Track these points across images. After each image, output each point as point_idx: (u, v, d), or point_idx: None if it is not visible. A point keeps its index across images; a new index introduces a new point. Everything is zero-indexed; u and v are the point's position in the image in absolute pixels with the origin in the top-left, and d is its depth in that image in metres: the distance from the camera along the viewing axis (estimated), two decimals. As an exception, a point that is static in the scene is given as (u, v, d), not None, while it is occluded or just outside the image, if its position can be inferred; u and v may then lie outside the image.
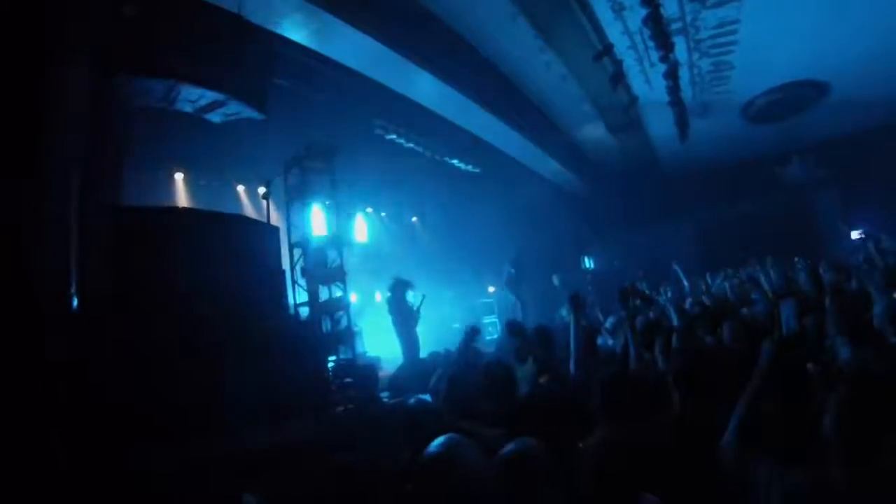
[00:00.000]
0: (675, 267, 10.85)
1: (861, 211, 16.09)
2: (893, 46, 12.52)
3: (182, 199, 12.69)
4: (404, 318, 11.62)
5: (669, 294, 9.39)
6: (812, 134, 17.45)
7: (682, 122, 14.78)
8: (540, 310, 15.84)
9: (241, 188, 14.25)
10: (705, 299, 8.48)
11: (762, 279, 7.42)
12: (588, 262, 21.10)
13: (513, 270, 16.17)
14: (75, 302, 4.73)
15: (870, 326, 4.31)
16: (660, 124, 15.57)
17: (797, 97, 15.33)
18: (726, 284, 9.55)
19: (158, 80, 6.95)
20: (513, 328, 6.52)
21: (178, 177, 12.81)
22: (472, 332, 5.94)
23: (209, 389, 5.89)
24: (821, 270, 7.30)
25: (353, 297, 13.18)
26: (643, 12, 9.90)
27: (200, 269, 6.58)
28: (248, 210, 13.94)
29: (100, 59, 5.67)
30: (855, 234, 15.21)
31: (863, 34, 11.99)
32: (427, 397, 4.69)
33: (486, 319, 17.59)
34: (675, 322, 5.97)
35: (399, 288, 11.90)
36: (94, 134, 5.44)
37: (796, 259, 9.82)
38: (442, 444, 2.46)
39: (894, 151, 16.07)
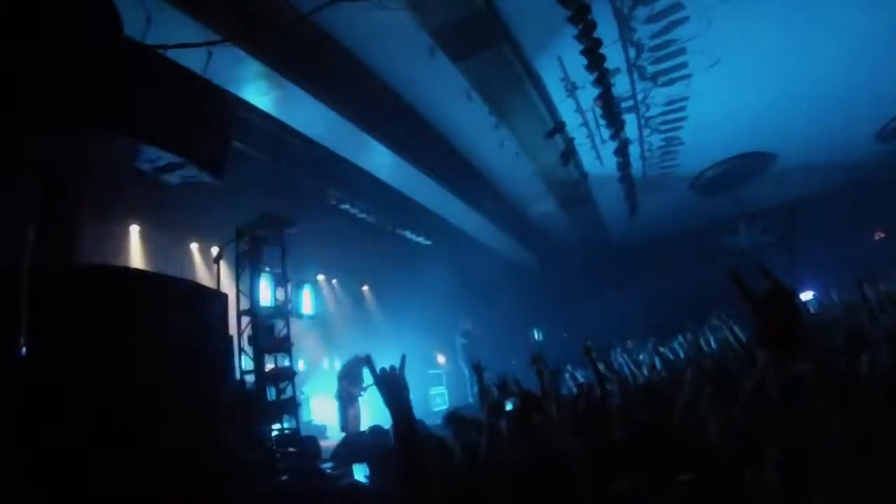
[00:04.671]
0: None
1: (808, 273, 16.34)
2: (834, 116, 13.13)
3: (136, 252, 12.39)
4: (350, 395, 11.56)
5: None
6: (759, 200, 18.07)
7: (631, 197, 15.17)
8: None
9: (194, 246, 13.97)
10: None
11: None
12: (537, 334, 21.17)
13: (465, 341, 16.09)
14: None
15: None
16: (610, 199, 15.96)
17: (744, 167, 15.87)
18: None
19: (121, 138, 6.86)
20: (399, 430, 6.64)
21: (134, 229, 12.51)
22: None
23: (147, 456, 5.70)
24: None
25: (301, 365, 12.98)
26: (595, 91, 10.17)
27: (147, 334, 6.43)
28: (201, 270, 13.69)
29: (61, 116, 5.62)
30: (804, 296, 15.41)
31: (806, 105, 12.55)
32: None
33: (434, 391, 17.39)
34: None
35: (354, 367, 11.89)
36: (50, 191, 5.37)
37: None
38: None
39: (839, 214, 16.81)
